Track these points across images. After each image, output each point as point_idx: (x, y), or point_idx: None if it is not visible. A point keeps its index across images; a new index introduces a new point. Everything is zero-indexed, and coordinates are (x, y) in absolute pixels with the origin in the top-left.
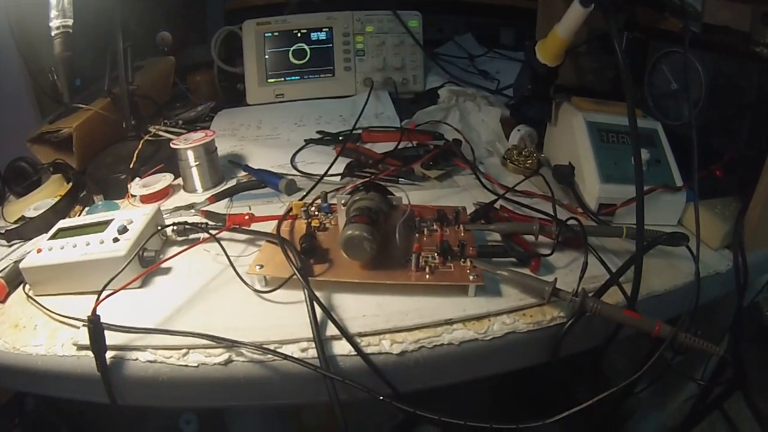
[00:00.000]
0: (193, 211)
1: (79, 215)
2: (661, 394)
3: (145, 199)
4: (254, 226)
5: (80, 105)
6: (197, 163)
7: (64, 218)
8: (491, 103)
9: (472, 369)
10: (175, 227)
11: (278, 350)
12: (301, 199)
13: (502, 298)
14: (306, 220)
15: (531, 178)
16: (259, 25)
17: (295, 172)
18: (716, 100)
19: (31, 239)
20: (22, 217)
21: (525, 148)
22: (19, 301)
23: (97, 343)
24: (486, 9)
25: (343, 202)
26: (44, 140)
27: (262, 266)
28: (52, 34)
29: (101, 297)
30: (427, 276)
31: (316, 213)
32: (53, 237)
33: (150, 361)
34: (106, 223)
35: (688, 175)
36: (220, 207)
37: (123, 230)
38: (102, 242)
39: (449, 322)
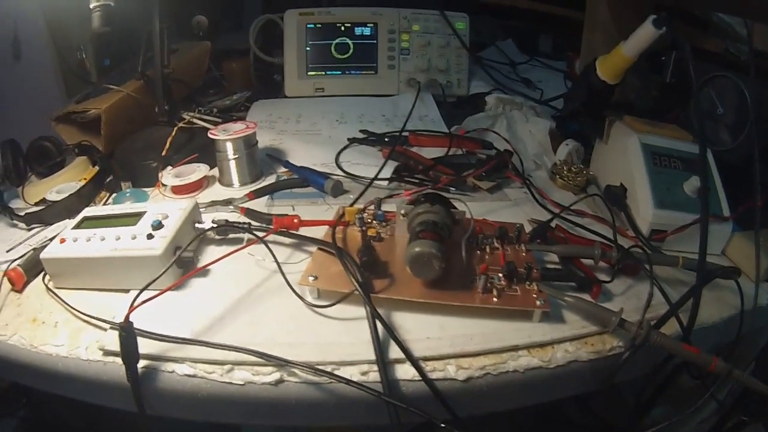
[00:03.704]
0: (231, 207)
1: (104, 202)
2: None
3: (178, 190)
4: (301, 230)
5: (111, 86)
6: (236, 156)
7: (88, 204)
8: (538, 114)
9: (532, 395)
10: (215, 225)
11: (336, 372)
12: (351, 205)
13: (564, 324)
14: (360, 229)
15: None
16: (302, 16)
17: (340, 173)
18: (762, 127)
19: (52, 224)
20: (44, 200)
21: (574, 164)
22: (37, 292)
23: (129, 352)
24: (524, 14)
25: (403, 212)
26: (70, 120)
27: (315, 277)
28: (91, 6)
29: (136, 302)
30: (494, 299)
31: (371, 221)
32: (78, 226)
33: (188, 375)
34: (138, 215)
35: (734, 205)
36: (259, 204)
37: (158, 226)
38: (134, 237)
39: (514, 348)
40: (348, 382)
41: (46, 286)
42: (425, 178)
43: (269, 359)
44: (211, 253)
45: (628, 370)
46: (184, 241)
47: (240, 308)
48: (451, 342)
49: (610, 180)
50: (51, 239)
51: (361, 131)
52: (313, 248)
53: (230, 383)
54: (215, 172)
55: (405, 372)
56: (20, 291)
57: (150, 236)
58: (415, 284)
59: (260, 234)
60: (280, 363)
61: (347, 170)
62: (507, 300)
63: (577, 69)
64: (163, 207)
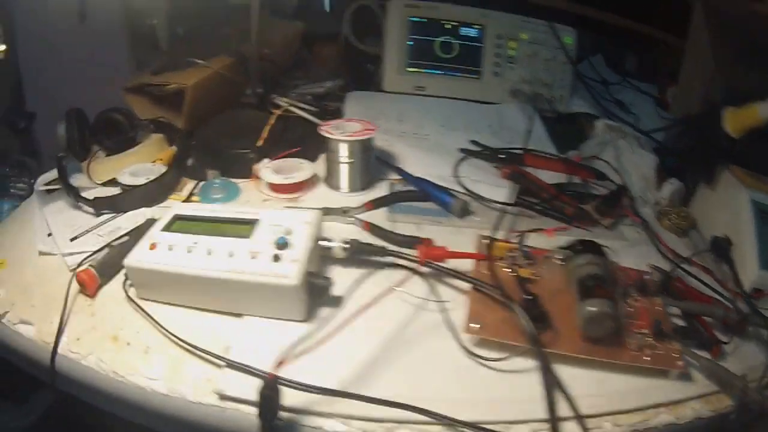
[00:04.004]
0: (351, 219)
1: (191, 193)
2: None
3: (279, 189)
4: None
5: (196, 60)
6: (350, 160)
7: (170, 193)
8: (641, 146)
9: None
10: (347, 246)
11: None
12: (491, 238)
13: (692, 383)
14: (511, 269)
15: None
16: (407, 8)
17: (460, 189)
18: None
19: (125, 212)
20: (114, 181)
21: (681, 207)
22: (114, 299)
23: (271, 409)
24: (614, 30)
25: (560, 257)
26: (143, 92)
27: (480, 325)
28: None
29: (285, 359)
30: (646, 358)
31: (521, 260)
32: (169, 228)
33: None
34: (249, 224)
35: None
36: (377, 217)
37: (284, 245)
38: (254, 257)
39: (657, 405)
40: None
41: (129, 296)
42: (549, 208)
43: (440, 419)
44: (335, 275)
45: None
46: (314, 264)
47: (391, 353)
48: (609, 399)
49: (711, 227)
50: (129, 234)
51: (471, 142)
52: (452, 281)
53: None
54: (315, 167)
55: (570, 430)
56: (92, 296)
57: (276, 258)
58: (573, 337)
59: (404, 263)
60: (450, 423)
61: (468, 187)
62: (655, 359)
63: (669, 97)
64: (280, 216)
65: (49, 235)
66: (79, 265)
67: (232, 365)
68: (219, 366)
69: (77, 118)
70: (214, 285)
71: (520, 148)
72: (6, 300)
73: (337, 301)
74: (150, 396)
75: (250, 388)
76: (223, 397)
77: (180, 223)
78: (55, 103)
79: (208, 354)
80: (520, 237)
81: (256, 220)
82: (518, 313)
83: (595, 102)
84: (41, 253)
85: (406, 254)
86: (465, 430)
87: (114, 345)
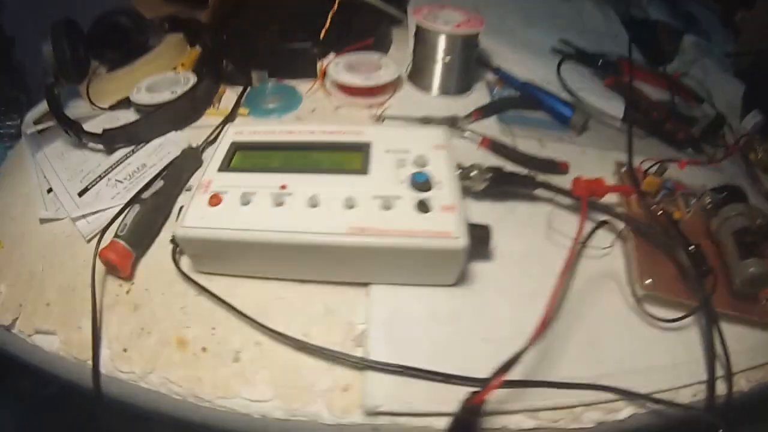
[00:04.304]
0: (465, 133)
1: (237, 103)
2: None
3: (357, 93)
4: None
5: None
6: (448, 57)
7: (205, 108)
8: (725, 70)
9: None
10: (489, 175)
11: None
12: (630, 167)
13: None
14: (660, 208)
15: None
16: None
17: (567, 97)
18: None
19: (149, 142)
20: (126, 103)
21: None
22: (161, 278)
23: None
24: None
25: (709, 200)
26: None
27: (652, 280)
28: None
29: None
30: None
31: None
32: (229, 167)
33: (527, 429)
34: (357, 150)
35: None
36: (487, 129)
37: (424, 184)
38: (388, 207)
39: None
40: (688, 408)
41: (183, 273)
42: (659, 130)
43: (624, 395)
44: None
45: None
46: None
47: (561, 320)
48: (745, 356)
49: None
50: (163, 177)
51: (561, 41)
52: (597, 217)
53: (579, 429)
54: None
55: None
56: (128, 278)
57: (422, 206)
58: (722, 292)
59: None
60: (637, 397)
61: (581, 97)
62: None
63: (738, 20)
64: (398, 137)
65: (50, 191)
66: (100, 235)
67: (389, 369)
68: (358, 368)
69: (66, 31)
70: (331, 253)
71: (622, 57)
72: (10, 299)
73: (488, 253)
74: (262, 424)
75: (409, 389)
76: (373, 413)
77: (244, 157)
78: (39, 19)
79: (338, 355)
80: (660, 168)
81: (367, 144)
82: (687, 269)
83: (671, 13)
84: (43, 221)
85: (557, 186)
86: (642, 401)
87: (182, 353)
